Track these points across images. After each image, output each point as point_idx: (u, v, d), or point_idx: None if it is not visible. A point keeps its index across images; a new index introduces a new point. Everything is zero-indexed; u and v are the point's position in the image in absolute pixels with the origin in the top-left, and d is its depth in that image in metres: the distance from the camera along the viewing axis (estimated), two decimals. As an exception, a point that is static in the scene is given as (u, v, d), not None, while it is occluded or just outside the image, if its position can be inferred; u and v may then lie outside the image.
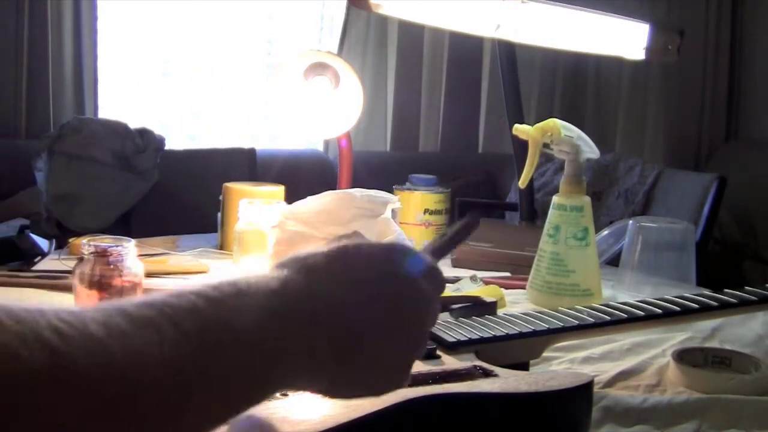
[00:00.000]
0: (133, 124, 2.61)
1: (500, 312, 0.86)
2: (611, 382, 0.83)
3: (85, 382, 0.35)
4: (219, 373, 0.41)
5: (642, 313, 0.82)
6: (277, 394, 0.57)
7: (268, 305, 0.45)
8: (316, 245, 0.52)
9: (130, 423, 0.37)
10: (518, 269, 1.27)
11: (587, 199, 1.14)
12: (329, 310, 0.47)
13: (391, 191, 1.32)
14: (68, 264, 1.12)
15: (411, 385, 0.61)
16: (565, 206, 1.13)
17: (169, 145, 2.73)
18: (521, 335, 0.76)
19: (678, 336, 0.97)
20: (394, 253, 0.53)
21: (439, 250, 0.60)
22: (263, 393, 0.45)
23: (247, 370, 0.43)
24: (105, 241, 0.91)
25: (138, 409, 0.37)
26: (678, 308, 0.84)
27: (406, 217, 1.42)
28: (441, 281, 0.55)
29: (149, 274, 0.97)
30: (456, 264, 1.36)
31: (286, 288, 0.46)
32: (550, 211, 1.15)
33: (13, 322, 0.34)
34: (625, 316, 0.82)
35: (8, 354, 0.33)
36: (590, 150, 1.16)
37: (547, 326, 0.78)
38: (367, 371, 0.49)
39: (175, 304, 0.41)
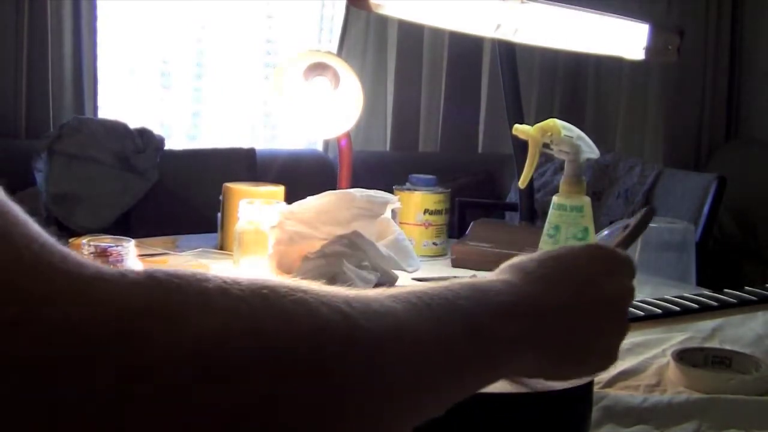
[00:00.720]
0: (133, 124, 2.61)
1: (500, 312, 0.86)
2: (611, 382, 0.83)
3: (373, 341, 0.40)
4: (465, 350, 0.47)
5: (642, 313, 0.82)
6: None
7: (500, 300, 0.51)
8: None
9: (411, 382, 0.42)
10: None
11: (587, 199, 1.14)
12: (546, 309, 0.53)
13: (391, 191, 1.32)
14: (68, 264, 1.12)
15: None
16: (565, 206, 1.13)
17: (169, 145, 2.74)
18: (521, 335, 0.76)
19: (678, 336, 0.97)
20: (598, 253, 0.59)
21: (625, 241, 0.66)
22: (494, 374, 0.51)
23: (486, 351, 0.49)
24: (105, 241, 0.91)
25: (415, 372, 0.42)
26: (678, 308, 0.84)
27: (406, 217, 1.42)
28: (634, 270, 0.60)
29: (149, 274, 0.97)
30: (456, 264, 1.36)
31: (512, 288, 0.53)
32: (550, 211, 1.15)
33: (317, 293, 0.39)
34: (625, 316, 0.82)
35: (312, 311, 0.37)
36: (590, 150, 1.16)
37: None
38: (584, 357, 0.56)
39: (432, 293, 0.46)
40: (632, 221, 0.66)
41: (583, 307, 0.54)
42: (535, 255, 0.57)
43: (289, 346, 0.36)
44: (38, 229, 0.34)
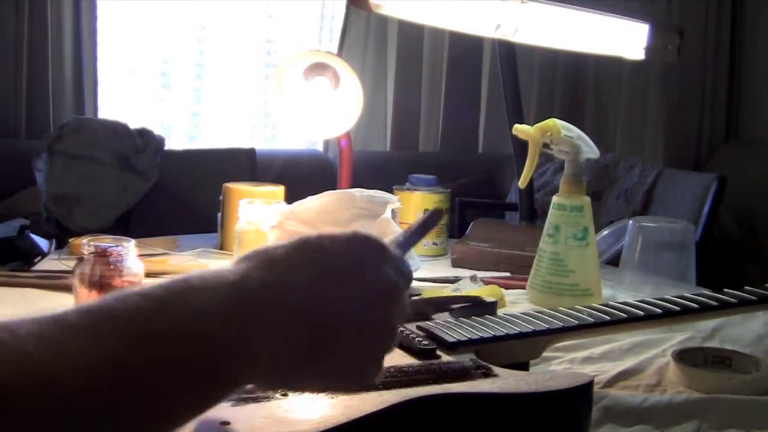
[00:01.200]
0: (133, 124, 2.61)
1: (500, 312, 0.86)
2: (611, 382, 0.83)
3: (15, 396, 0.35)
4: (159, 370, 0.40)
5: (642, 313, 0.82)
6: (277, 394, 0.57)
7: (222, 296, 0.44)
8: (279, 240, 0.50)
9: (69, 428, 0.37)
10: (518, 269, 1.27)
11: (587, 199, 1.14)
12: (293, 299, 0.46)
13: (391, 191, 1.32)
14: (68, 264, 1.12)
15: (411, 385, 0.61)
16: (565, 206, 1.13)
17: (169, 145, 2.73)
18: (521, 335, 0.76)
19: (678, 336, 0.97)
20: (359, 242, 0.51)
21: (405, 242, 0.59)
22: (218, 388, 0.43)
23: (193, 363, 0.41)
24: (105, 241, 0.91)
25: (74, 415, 0.37)
26: (678, 308, 0.84)
27: (406, 217, 1.42)
28: (408, 273, 0.53)
29: (149, 274, 0.97)
30: (456, 264, 1.36)
31: (247, 279, 0.46)
32: (550, 211, 1.15)
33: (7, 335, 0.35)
34: (625, 316, 0.82)
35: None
36: (590, 150, 1.16)
37: (547, 326, 0.78)
38: (338, 363, 0.48)
39: (117, 308, 0.41)
40: (417, 221, 0.61)
41: (334, 298, 0.47)
42: (290, 240, 0.50)
43: None
44: None
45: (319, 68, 1.36)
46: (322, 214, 1.08)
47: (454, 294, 1.08)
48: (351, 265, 0.49)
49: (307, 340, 0.46)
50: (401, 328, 0.74)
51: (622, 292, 1.19)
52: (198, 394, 0.42)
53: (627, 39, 1.21)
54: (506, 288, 1.15)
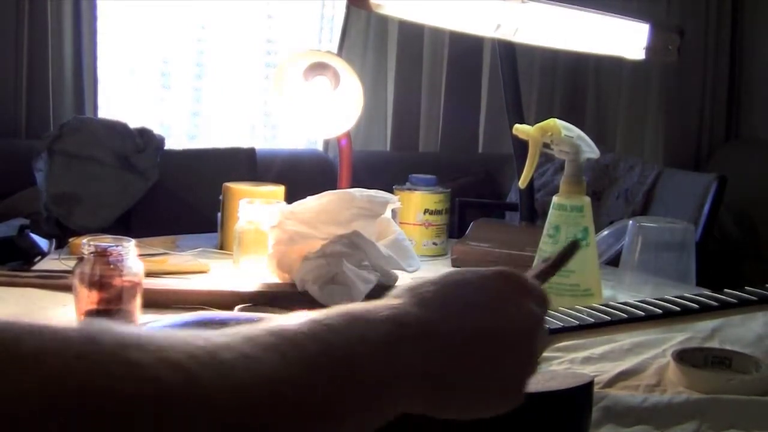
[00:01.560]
0: (133, 124, 2.61)
1: (500, 312, 0.86)
2: (611, 382, 0.83)
3: (214, 403, 0.36)
4: (339, 395, 0.42)
5: (642, 314, 0.82)
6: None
7: (384, 331, 0.46)
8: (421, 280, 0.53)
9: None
10: (518, 269, 1.26)
11: (587, 199, 1.14)
12: (444, 337, 0.48)
13: (391, 191, 1.32)
14: (68, 264, 1.12)
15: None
16: (565, 206, 1.13)
17: (169, 145, 2.74)
18: (521, 335, 0.76)
19: (678, 336, 0.97)
20: (504, 278, 0.54)
21: (544, 273, 0.62)
22: (378, 416, 0.45)
23: (365, 392, 0.44)
24: (105, 241, 0.91)
25: (265, 428, 0.38)
26: (678, 308, 0.84)
27: (405, 217, 1.42)
28: (547, 303, 0.57)
29: (149, 274, 0.97)
30: (456, 264, 1.36)
31: (404, 317, 0.48)
32: (550, 211, 1.15)
33: (155, 347, 0.36)
34: (625, 316, 0.82)
35: (150, 375, 0.35)
36: (590, 150, 1.16)
37: (547, 326, 0.78)
38: (483, 392, 0.51)
39: (295, 329, 0.42)
40: (556, 253, 0.64)
41: (484, 334, 0.50)
42: (436, 277, 0.53)
43: (124, 411, 0.34)
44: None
45: (319, 68, 1.36)
46: (322, 214, 1.08)
47: (454, 294, 1.08)
48: (496, 301, 0.52)
49: (450, 373, 0.48)
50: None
51: (622, 293, 1.19)
52: (360, 417, 0.44)
53: (627, 39, 1.21)
54: (506, 288, 1.15)
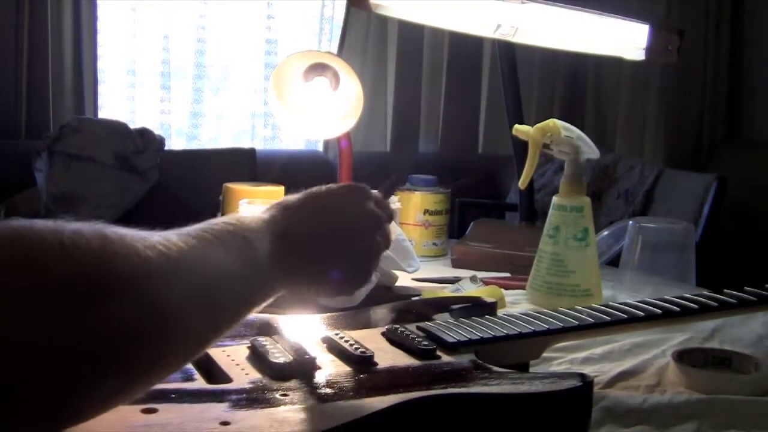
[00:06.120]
0: (133, 124, 2.61)
1: (500, 312, 0.86)
2: (611, 383, 0.83)
3: (183, 271, 0.49)
4: (262, 274, 0.60)
5: (642, 314, 0.82)
6: (277, 395, 0.57)
7: (264, 230, 0.63)
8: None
9: (220, 303, 0.53)
10: (518, 269, 1.27)
11: (587, 200, 1.14)
12: (302, 229, 0.66)
13: (391, 191, 1.32)
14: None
15: (411, 385, 0.61)
16: (565, 207, 1.13)
17: (169, 145, 2.73)
18: (521, 335, 0.76)
19: (678, 336, 0.97)
20: (349, 189, 0.72)
21: (385, 189, 0.80)
22: (268, 291, 0.62)
23: (263, 273, 0.60)
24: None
25: (223, 292, 0.53)
26: (678, 308, 0.84)
27: (405, 217, 1.42)
28: (388, 208, 0.76)
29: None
30: (456, 264, 1.36)
31: (274, 219, 0.65)
32: (550, 212, 1.15)
33: (136, 235, 0.48)
34: (625, 316, 0.82)
35: (133, 249, 0.46)
36: (590, 150, 1.16)
37: (547, 326, 0.78)
38: (340, 267, 0.68)
39: (216, 229, 0.58)
40: (388, 180, 0.82)
41: (333, 230, 0.68)
42: (300, 193, 0.70)
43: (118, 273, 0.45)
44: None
45: (319, 68, 1.36)
46: (322, 214, 1.08)
47: (454, 294, 1.08)
48: (346, 202, 0.71)
49: (314, 252, 0.66)
50: (401, 329, 0.74)
51: (622, 293, 1.19)
52: (261, 290, 0.61)
53: (627, 39, 1.21)
54: (506, 288, 1.15)
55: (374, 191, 0.77)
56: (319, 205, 0.69)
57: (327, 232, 0.67)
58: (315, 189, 0.70)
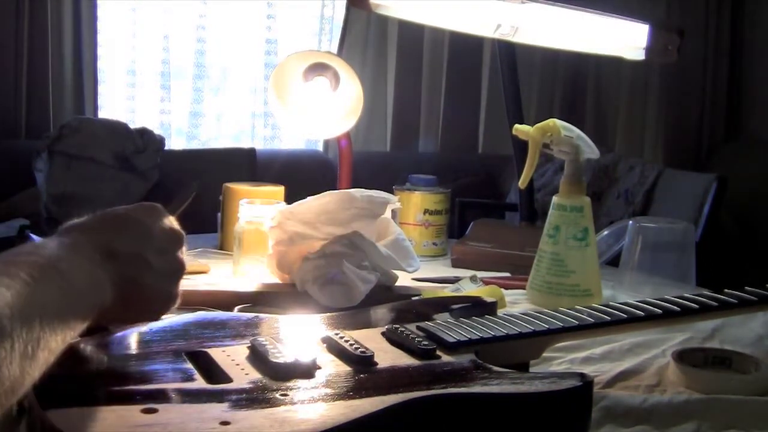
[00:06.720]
0: (133, 124, 2.61)
1: (500, 312, 0.86)
2: (611, 383, 0.83)
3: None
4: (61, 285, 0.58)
5: (642, 314, 0.82)
6: (277, 395, 0.57)
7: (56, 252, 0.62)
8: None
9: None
10: (518, 269, 1.27)
11: (587, 200, 1.14)
12: (94, 248, 0.65)
13: (391, 191, 1.32)
14: (68, 264, 1.12)
15: (411, 385, 0.61)
16: (565, 206, 1.13)
17: (169, 145, 2.73)
18: (521, 335, 0.76)
19: (678, 336, 0.97)
20: (142, 207, 0.73)
21: (172, 207, 0.82)
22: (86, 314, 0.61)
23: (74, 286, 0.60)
24: (105, 241, 0.91)
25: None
26: (678, 308, 0.84)
27: (405, 218, 1.42)
28: (178, 230, 0.76)
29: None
30: (456, 264, 1.36)
31: (75, 243, 0.65)
32: (550, 212, 1.15)
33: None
34: (625, 316, 0.82)
35: None
36: (590, 150, 1.16)
37: (547, 326, 0.78)
38: (142, 295, 0.69)
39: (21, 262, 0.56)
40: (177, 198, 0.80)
41: (121, 244, 0.68)
42: (97, 213, 0.70)
43: None
44: None
45: (319, 68, 1.36)
46: (322, 214, 1.08)
47: (454, 294, 1.08)
48: (136, 221, 0.71)
49: (119, 279, 0.66)
50: (401, 329, 0.74)
51: (622, 293, 1.19)
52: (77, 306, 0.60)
53: (627, 39, 1.21)
54: (506, 288, 1.15)
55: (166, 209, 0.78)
56: (111, 223, 0.70)
57: (117, 245, 0.68)
58: (111, 210, 0.72)
